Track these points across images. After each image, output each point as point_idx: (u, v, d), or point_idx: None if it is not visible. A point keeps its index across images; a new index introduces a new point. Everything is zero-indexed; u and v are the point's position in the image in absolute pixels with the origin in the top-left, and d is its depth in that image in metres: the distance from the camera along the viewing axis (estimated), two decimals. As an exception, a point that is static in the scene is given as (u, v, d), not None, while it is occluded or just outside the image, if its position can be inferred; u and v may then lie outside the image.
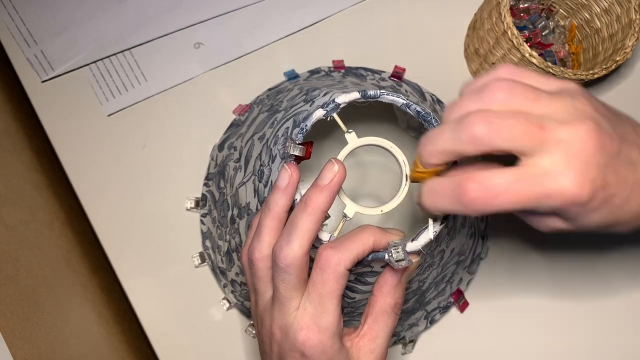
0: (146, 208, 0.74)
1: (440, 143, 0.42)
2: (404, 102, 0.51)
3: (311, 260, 0.46)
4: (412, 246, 0.47)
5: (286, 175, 0.47)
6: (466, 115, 0.41)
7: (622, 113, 0.46)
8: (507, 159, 0.42)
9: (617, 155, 0.41)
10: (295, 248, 0.44)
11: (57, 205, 0.78)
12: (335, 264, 0.44)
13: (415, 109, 0.50)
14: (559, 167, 0.40)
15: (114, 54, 0.77)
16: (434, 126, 0.50)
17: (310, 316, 0.45)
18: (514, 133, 0.40)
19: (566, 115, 0.41)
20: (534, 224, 0.46)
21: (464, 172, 0.43)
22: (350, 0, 0.80)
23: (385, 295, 0.47)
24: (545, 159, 0.40)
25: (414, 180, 0.46)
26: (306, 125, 0.50)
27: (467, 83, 0.45)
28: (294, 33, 0.79)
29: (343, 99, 0.50)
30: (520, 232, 0.75)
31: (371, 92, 0.51)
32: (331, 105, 0.50)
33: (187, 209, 0.74)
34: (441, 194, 0.42)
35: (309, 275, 0.46)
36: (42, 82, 0.76)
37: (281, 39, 0.79)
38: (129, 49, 0.77)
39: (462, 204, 0.41)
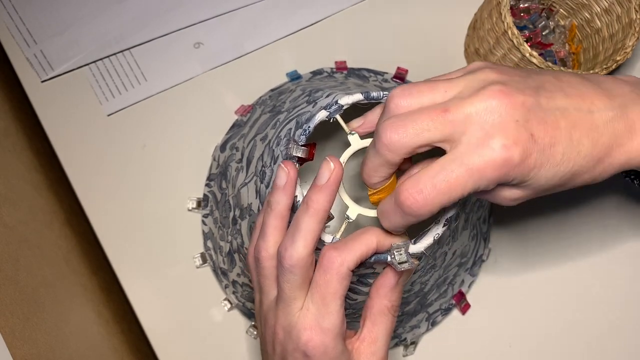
0: (146, 208, 0.74)
1: (369, 163, 0.43)
2: None
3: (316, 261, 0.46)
4: (414, 248, 0.47)
5: (283, 173, 0.47)
6: (376, 130, 0.42)
7: (543, 70, 0.46)
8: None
9: (536, 105, 0.40)
10: (300, 248, 0.44)
11: (57, 205, 0.78)
12: (339, 264, 0.44)
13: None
14: (476, 140, 0.39)
15: (114, 54, 0.77)
16: None
17: (313, 317, 0.45)
18: (420, 126, 0.40)
19: (469, 90, 0.41)
20: (492, 200, 0.45)
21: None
22: (350, 1, 0.80)
23: (382, 297, 0.47)
24: (463, 138, 0.40)
25: (374, 203, 0.47)
26: (309, 127, 0.50)
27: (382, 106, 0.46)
28: (294, 33, 0.79)
29: (346, 100, 0.50)
30: (522, 234, 0.75)
31: (374, 94, 0.50)
32: (334, 107, 0.50)
33: (189, 210, 0.74)
34: (390, 213, 0.43)
35: None
36: (42, 82, 0.76)
37: (281, 38, 0.79)
38: (129, 48, 0.77)
39: (407, 213, 0.41)
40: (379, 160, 0.42)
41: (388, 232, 0.47)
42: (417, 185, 0.40)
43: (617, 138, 0.43)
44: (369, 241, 0.45)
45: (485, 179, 0.39)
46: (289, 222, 0.48)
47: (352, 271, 0.45)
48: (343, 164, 0.49)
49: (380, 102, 0.51)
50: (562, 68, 0.67)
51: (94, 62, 0.77)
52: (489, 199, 0.44)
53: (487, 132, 0.39)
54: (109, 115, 0.76)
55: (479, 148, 0.39)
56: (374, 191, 0.46)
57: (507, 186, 0.42)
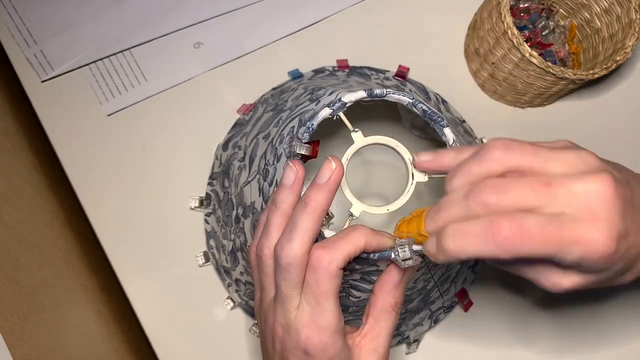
0: (146, 208, 0.74)
1: (449, 212, 0.41)
2: (410, 100, 0.51)
3: None
4: (418, 246, 0.47)
5: (291, 172, 0.47)
6: (473, 186, 0.40)
7: (616, 163, 0.46)
8: None
9: (631, 202, 0.40)
10: (296, 247, 0.44)
11: (57, 205, 0.78)
12: (327, 263, 0.44)
13: (422, 107, 0.50)
14: (584, 217, 0.38)
15: (114, 54, 0.77)
16: (439, 125, 0.50)
17: (308, 316, 0.45)
18: (520, 195, 0.39)
19: (576, 168, 0.40)
20: (541, 279, 0.44)
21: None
22: (350, 0, 0.80)
23: (386, 294, 0.48)
24: (567, 210, 0.38)
25: (401, 235, 0.46)
26: (312, 124, 0.50)
27: (460, 150, 0.45)
28: (294, 33, 0.79)
29: (349, 97, 0.50)
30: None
31: (377, 91, 0.51)
32: (337, 104, 0.50)
33: (192, 208, 0.74)
34: (469, 234, 0.40)
35: None
36: (42, 82, 0.76)
37: (281, 39, 0.79)
38: (129, 48, 0.77)
39: (495, 243, 0.38)
40: (463, 214, 0.41)
41: (375, 230, 0.47)
42: (524, 222, 0.38)
43: None
44: (357, 240, 0.45)
45: (578, 254, 0.38)
46: None
47: (343, 269, 0.45)
48: (347, 161, 0.49)
49: (383, 100, 0.51)
50: (562, 68, 0.67)
51: (94, 62, 0.77)
52: (545, 278, 0.43)
53: (595, 214, 0.38)
54: (109, 115, 0.76)
55: (586, 224, 0.38)
56: (405, 223, 0.45)
57: (575, 270, 0.41)
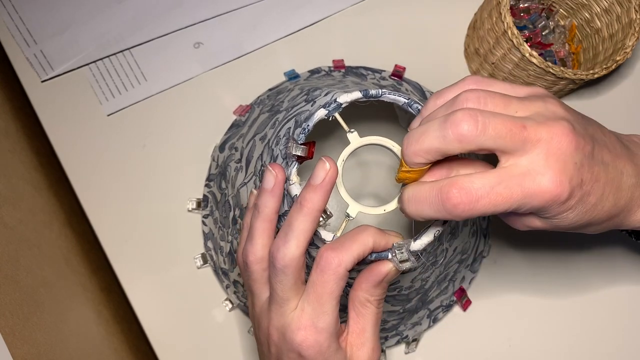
0: (146, 208, 0.74)
1: (426, 142, 0.42)
2: (406, 101, 0.50)
3: (313, 258, 0.46)
4: (415, 246, 0.47)
5: (271, 176, 0.47)
6: (451, 114, 0.41)
7: (591, 119, 0.48)
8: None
9: (591, 155, 0.43)
10: (292, 249, 0.44)
11: (57, 205, 0.78)
12: (336, 265, 0.44)
13: (417, 107, 0.50)
14: (538, 166, 0.41)
15: (114, 54, 0.77)
16: None
17: (308, 317, 0.45)
18: (498, 131, 0.40)
19: (542, 116, 0.42)
20: (512, 223, 0.47)
21: (446, 174, 0.44)
22: (350, 0, 0.80)
23: (364, 291, 0.47)
24: (524, 158, 0.41)
25: (400, 180, 0.46)
26: (308, 125, 0.50)
27: (435, 94, 0.47)
28: (293, 33, 0.79)
29: (345, 98, 0.50)
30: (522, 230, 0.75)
31: (373, 92, 0.50)
32: (333, 105, 0.50)
33: (189, 210, 0.74)
34: (423, 201, 0.42)
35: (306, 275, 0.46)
36: (42, 81, 0.76)
37: (281, 38, 0.79)
38: (129, 48, 0.77)
39: (446, 210, 0.41)
40: (440, 146, 0.41)
41: (383, 231, 0.47)
42: (471, 189, 0.40)
43: (631, 203, 0.47)
44: (365, 240, 0.45)
45: (529, 205, 0.41)
46: (276, 224, 0.48)
47: (349, 271, 0.45)
48: (343, 162, 0.49)
49: (379, 100, 0.51)
50: (562, 68, 0.67)
51: (94, 62, 0.77)
52: (507, 220, 0.47)
53: (548, 163, 0.41)
54: (109, 115, 0.76)
55: (537, 175, 0.41)
56: (408, 170, 0.44)
57: (534, 215, 0.44)
